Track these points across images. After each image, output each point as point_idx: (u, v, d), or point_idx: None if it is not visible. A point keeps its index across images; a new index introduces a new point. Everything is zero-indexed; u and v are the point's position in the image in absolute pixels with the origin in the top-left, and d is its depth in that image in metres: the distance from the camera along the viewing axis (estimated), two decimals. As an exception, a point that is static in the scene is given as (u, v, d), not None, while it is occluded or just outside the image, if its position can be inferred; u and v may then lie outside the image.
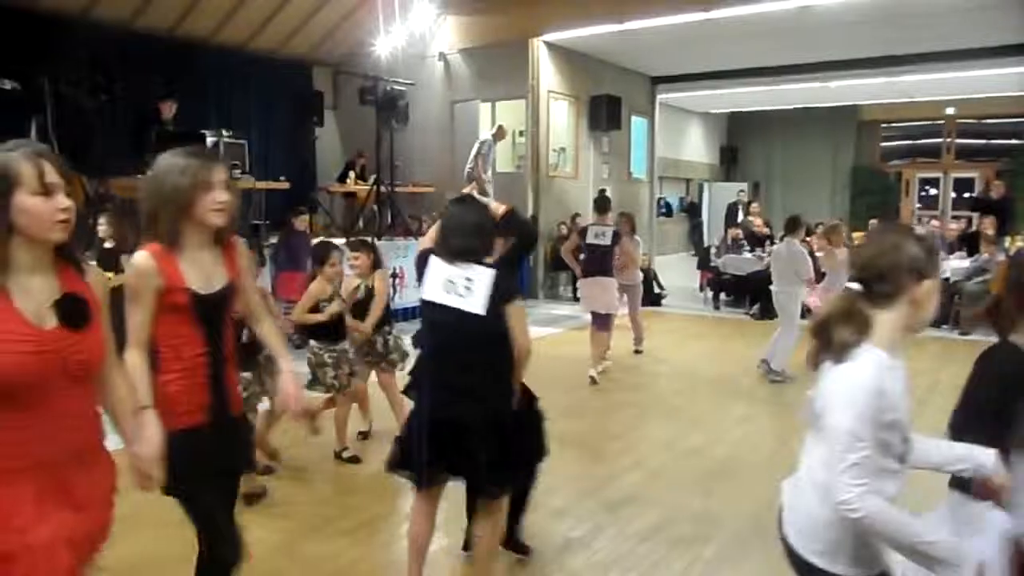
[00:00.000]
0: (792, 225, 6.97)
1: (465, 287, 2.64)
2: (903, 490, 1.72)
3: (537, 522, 3.68)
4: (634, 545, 3.48)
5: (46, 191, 1.60)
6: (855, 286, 1.74)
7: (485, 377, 2.70)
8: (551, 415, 5.37)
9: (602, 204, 7.01)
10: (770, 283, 7.04)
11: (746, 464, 4.58)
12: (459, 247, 2.69)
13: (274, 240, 8.46)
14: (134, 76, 10.12)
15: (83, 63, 8.51)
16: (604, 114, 12.32)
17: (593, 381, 6.49)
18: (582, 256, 6.96)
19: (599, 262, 6.75)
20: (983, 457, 1.81)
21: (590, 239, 6.81)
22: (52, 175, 1.62)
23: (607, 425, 5.44)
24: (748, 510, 3.81)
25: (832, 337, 1.73)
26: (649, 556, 3.38)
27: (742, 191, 15.52)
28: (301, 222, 7.95)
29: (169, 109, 9.16)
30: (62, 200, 1.63)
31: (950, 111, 17.17)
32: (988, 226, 10.09)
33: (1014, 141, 16.98)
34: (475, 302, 2.62)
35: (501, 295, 2.65)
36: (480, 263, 2.67)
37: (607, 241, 6.75)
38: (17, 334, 1.57)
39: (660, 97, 14.57)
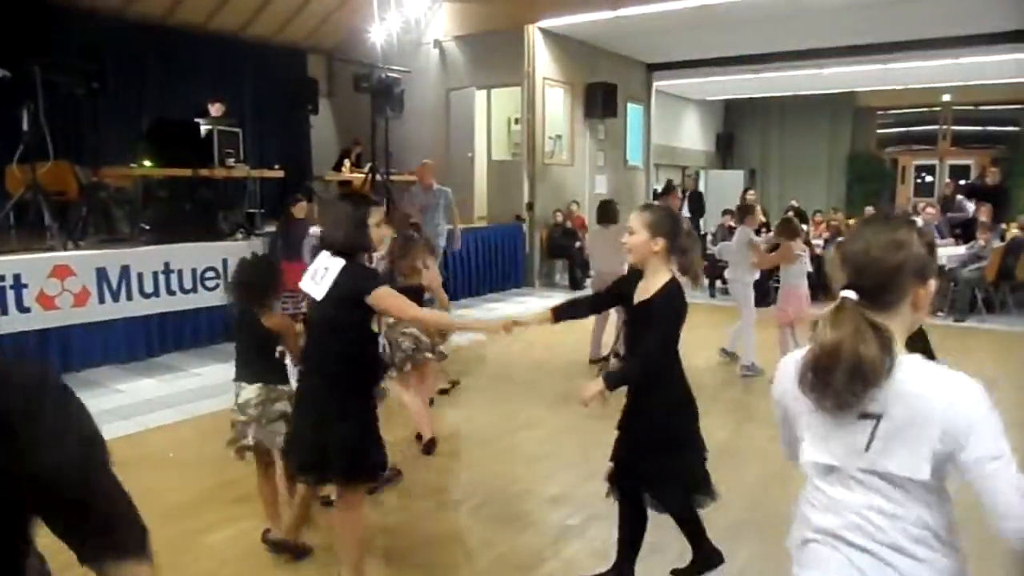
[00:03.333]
0: (743, 213, 7.00)
1: (321, 275, 2.81)
2: None
3: (534, 510, 3.69)
4: (630, 532, 3.49)
5: None
6: (850, 294, 1.45)
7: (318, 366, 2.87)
8: (549, 402, 5.40)
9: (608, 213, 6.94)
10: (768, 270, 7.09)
11: (743, 450, 4.59)
12: (327, 239, 2.89)
13: (270, 229, 8.42)
14: (127, 64, 10.06)
15: (75, 51, 8.43)
16: (600, 101, 12.28)
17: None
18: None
19: None
20: None
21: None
22: None
23: (604, 413, 5.43)
24: (745, 496, 3.82)
25: (853, 363, 1.38)
26: (646, 542, 3.38)
27: (690, 175, 15.03)
28: (300, 210, 7.89)
29: (217, 110, 9.15)
30: None
31: (946, 98, 17.15)
32: (983, 213, 10.09)
33: (1010, 128, 16.98)
34: (319, 290, 2.80)
35: (347, 288, 2.76)
36: (341, 256, 2.80)
37: None
38: None
39: (656, 84, 14.53)
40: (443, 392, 5.58)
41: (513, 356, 6.89)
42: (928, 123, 18.16)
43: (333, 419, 2.76)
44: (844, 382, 1.38)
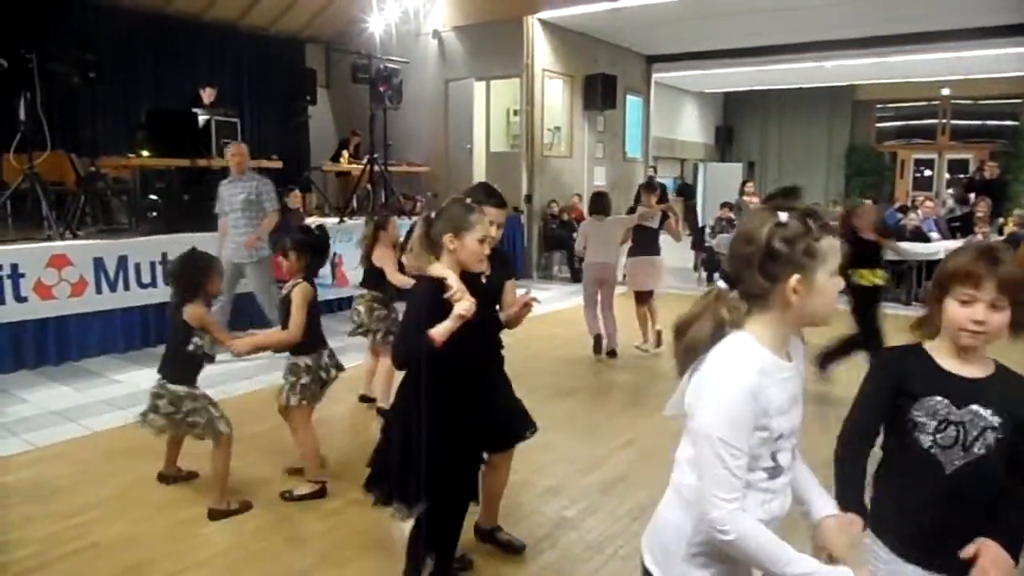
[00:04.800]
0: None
1: None
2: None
3: (530, 501, 3.71)
4: (627, 524, 3.50)
5: None
6: (720, 282, 1.50)
7: None
8: (545, 394, 5.41)
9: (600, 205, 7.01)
10: None
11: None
12: None
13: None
14: (124, 54, 10.02)
15: (72, 40, 8.41)
16: (599, 93, 12.25)
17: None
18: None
19: (647, 243, 6.92)
20: (816, 512, 1.58)
21: (638, 221, 6.98)
22: None
23: (600, 405, 5.46)
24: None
25: (688, 341, 1.49)
26: (640, 535, 3.40)
27: (652, 166, 14.85)
28: (294, 199, 7.91)
29: (209, 96, 9.11)
30: None
31: (945, 92, 17.14)
32: (981, 207, 10.10)
33: (1009, 122, 16.96)
34: None
35: None
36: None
37: (655, 224, 6.94)
38: None
39: (655, 76, 14.51)
40: None
41: (508, 348, 6.90)
42: (927, 117, 18.16)
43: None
44: (681, 353, 1.50)
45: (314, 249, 3.81)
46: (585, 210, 7.31)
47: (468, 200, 2.57)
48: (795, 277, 1.40)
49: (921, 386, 1.70)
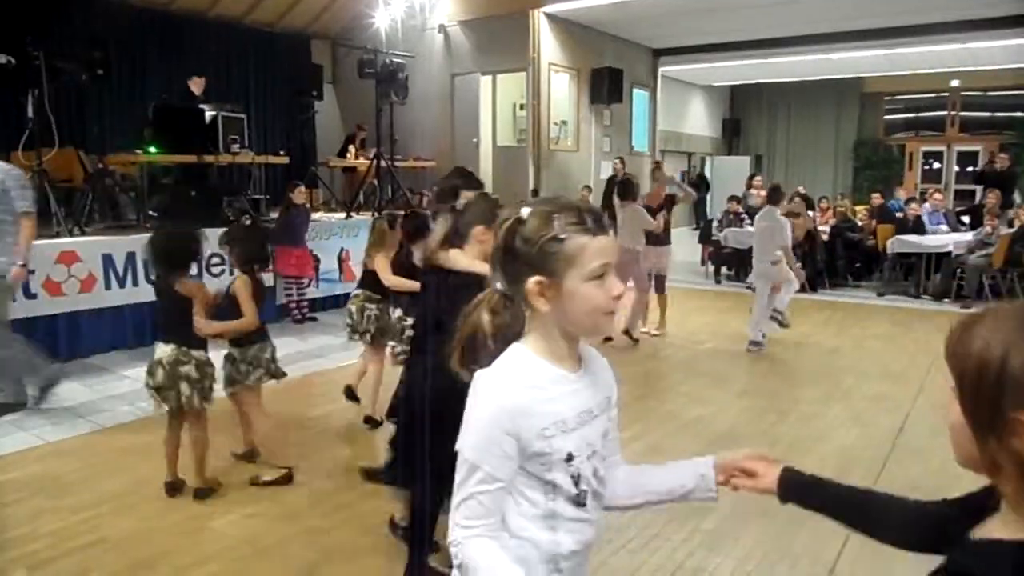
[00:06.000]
0: (774, 195, 6.96)
1: None
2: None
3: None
4: (632, 517, 3.49)
5: None
6: (498, 285, 1.35)
7: None
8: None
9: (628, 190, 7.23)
10: None
11: (746, 436, 4.59)
12: None
13: (275, 215, 8.43)
14: (131, 51, 10.05)
15: (79, 37, 8.43)
16: (605, 87, 12.23)
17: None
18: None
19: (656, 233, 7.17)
20: (703, 467, 1.44)
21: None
22: None
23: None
24: (747, 483, 3.82)
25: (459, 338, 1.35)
26: (648, 528, 3.40)
27: (619, 159, 14.58)
28: (299, 195, 7.92)
29: (198, 85, 9.12)
30: None
31: (955, 83, 17.02)
32: (992, 199, 10.04)
33: (1018, 113, 16.84)
34: None
35: None
36: None
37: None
38: None
39: (662, 70, 14.47)
40: None
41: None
42: (936, 109, 18.04)
43: None
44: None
45: (235, 241, 3.82)
46: (615, 196, 7.47)
47: (491, 194, 2.74)
48: (533, 279, 1.26)
49: None
